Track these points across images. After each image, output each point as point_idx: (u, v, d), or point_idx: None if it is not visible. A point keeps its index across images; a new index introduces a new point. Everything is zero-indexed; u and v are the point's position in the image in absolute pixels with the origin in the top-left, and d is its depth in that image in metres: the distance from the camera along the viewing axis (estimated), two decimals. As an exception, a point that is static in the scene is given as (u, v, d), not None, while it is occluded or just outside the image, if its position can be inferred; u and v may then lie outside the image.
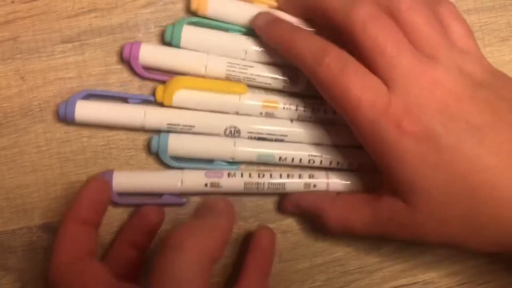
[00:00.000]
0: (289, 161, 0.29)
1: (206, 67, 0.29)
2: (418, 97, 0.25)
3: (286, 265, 0.31)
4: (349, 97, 0.25)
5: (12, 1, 0.30)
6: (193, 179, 0.28)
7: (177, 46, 0.29)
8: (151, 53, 0.29)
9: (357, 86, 0.25)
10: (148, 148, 0.30)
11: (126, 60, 0.29)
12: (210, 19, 0.29)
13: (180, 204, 0.30)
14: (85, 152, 0.30)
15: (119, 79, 0.30)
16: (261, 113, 0.29)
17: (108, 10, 0.30)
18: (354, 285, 0.31)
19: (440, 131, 0.24)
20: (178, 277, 0.21)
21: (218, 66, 0.29)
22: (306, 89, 0.30)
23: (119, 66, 0.30)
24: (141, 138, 0.30)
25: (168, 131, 0.29)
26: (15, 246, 0.29)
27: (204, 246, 0.22)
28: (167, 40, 0.29)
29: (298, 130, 0.29)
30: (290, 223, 0.31)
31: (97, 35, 0.30)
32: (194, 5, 0.29)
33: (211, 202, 0.26)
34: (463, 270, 0.31)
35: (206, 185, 0.28)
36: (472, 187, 0.24)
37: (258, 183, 0.29)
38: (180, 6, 0.30)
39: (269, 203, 0.31)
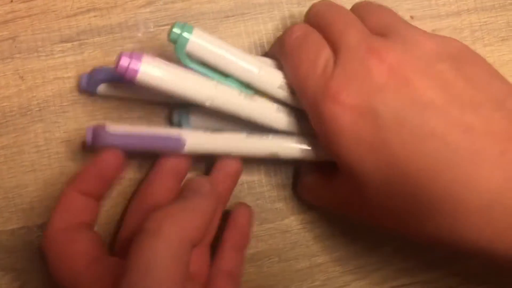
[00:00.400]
0: None
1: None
2: (359, 70, 0.23)
3: (286, 265, 0.31)
4: (300, 70, 0.25)
5: (11, 1, 0.30)
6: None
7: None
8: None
9: (310, 58, 0.25)
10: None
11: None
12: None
13: (177, 147, 0.27)
14: (84, 152, 0.30)
15: (118, 78, 0.30)
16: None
17: (108, 10, 0.30)
18: (354, 285, 0.31)
19: (379, 107, 0.22)
20: (155, 263, 0.21)
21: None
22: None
23: (119, 66, 0.30)
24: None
25: None
26: (14, 246, 0.29)
27: (183, 230, 0.22)
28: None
29: None
30: (289, 222, 0.31)
31: (96, 35, 0.30)
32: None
33: (195, 183, 0.25)
34: (464, 270, 0.31)
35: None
36: (410, 175, 0.22)
37: (261, 133, 0.27)
38: (180, 5, 0.30)
39: (268, 202, 0.31)
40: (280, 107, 0.28)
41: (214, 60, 0.26)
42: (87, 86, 0.28)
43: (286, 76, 0.27)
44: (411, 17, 0.31)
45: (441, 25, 0.32)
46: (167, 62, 0.25)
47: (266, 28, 0.31)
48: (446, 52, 0.24)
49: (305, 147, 0.28)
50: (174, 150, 0.27)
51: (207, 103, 0.26)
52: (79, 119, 0.30)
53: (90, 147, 0.26)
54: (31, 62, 0.30)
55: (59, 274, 0.24)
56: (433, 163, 0.22)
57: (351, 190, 0.25)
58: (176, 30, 0.25)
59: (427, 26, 0.31)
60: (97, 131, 0.26)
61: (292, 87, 0.27)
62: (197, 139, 0.27)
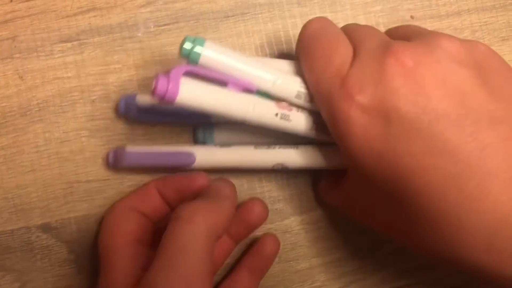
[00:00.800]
0: None
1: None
2: (375, 71, 0.22)
3: (286, 266, 0.31)
4: (316, 65, 0.24)
5: (11, 0, 0.30)
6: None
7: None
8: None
9: (326, 53, 0.24)
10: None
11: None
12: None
13: (188, 162, 0.28)
14: (84, 152, 0.30)
15: (118, 78, 0.30)
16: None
17: (107, 9, 0.30)
18: (354, 286, 0.31)
19: (391, 113, 0.21)
20: (187, 247, 0.22)
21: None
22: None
23: (118, 66, 0.30)
24: (141, 138, 0.30)
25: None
26: (13, 247, 0.29)
27: (212, 222, 0.24)
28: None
29: None
30: (289, 223, 0.31)
31: (96, 35, 0.30)
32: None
33: (217, 186, 0.27)
34: (464, 270, 0.31)
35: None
36: (415, 187, 0.21)
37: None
38: (180, 5, 0.30)
39: (268, 203, 0.31)
40: (317, 125, 0.27)
41: (228, 72, 0.25)
42: (125, 112, 0.29)
43: (302, 73, 0.26)
44: (412, 17, 0.31)
45: (441, 25, 0.32)
46: (201, 81, 0.25)
47: (267, 28, 0.31)
48: (470, 57, 0.22)
49: (312, 156, 0.27)
50: (186, 164, 0.28)
51: (243, 123, 0.26)
52: (78, 119, 0.30)
53: (111, 167, 0.29)
54: (31, 62, 0.30)
55: (102, 242, 0.26)
56: (440, 179, 0.21)
57: (358, 193, 0.25)
58: (187, 46, 0.24)
59: (427, 26, 0.31)
60: (118, 154, 0.28)
61: (309, 92, 0.26)
62: (206, 153, 0.28)
